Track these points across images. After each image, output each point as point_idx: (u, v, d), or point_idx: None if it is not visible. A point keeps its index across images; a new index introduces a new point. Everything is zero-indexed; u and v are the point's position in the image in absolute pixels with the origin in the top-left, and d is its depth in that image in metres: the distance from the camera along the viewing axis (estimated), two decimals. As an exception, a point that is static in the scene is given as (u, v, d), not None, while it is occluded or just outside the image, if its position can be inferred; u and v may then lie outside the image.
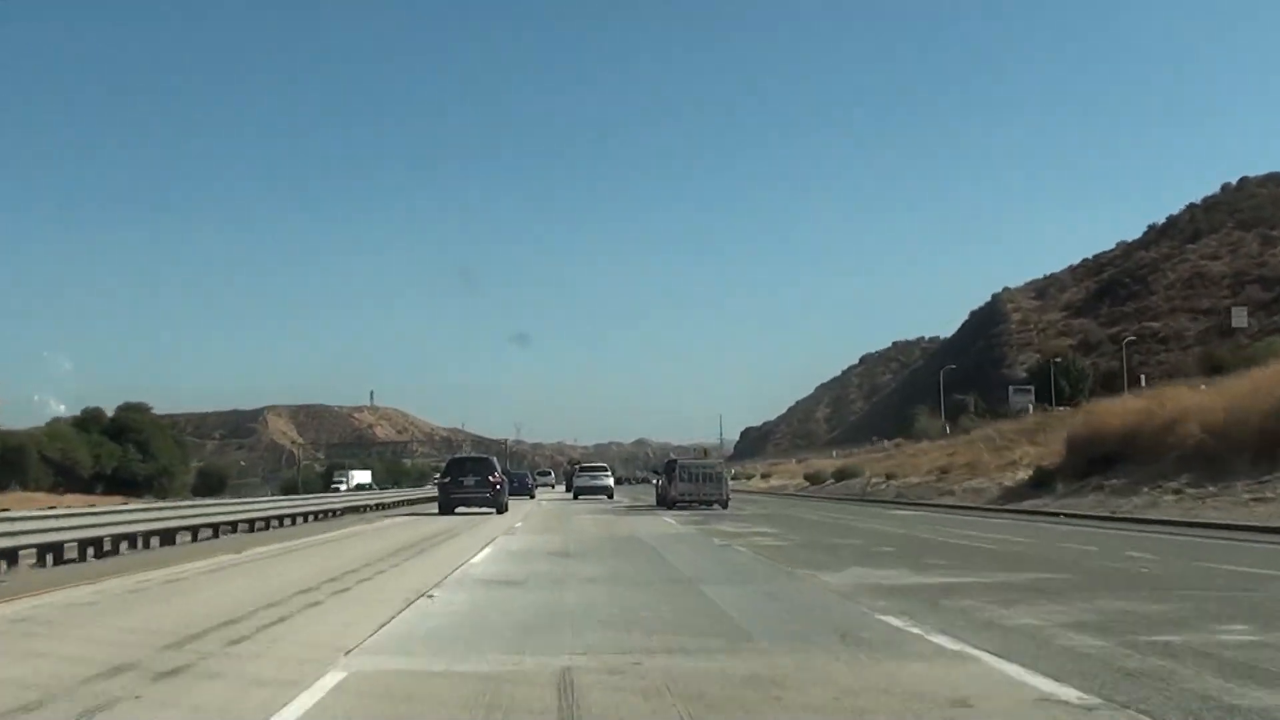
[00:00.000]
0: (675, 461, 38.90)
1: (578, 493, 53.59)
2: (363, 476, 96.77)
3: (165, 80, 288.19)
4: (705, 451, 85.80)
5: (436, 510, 34.50)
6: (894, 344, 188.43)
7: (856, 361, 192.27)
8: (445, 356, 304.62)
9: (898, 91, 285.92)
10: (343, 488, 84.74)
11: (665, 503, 35.99)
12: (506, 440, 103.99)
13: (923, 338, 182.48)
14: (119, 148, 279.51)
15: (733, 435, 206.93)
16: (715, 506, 33.75)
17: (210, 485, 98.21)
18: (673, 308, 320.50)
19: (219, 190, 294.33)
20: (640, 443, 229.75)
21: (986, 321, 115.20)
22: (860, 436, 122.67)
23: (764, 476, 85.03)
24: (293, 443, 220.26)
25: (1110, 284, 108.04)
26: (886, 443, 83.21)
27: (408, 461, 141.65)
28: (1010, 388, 72.42)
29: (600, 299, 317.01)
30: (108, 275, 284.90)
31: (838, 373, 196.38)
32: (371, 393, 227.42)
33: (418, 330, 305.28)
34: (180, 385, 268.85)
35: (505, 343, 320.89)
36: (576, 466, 69.94)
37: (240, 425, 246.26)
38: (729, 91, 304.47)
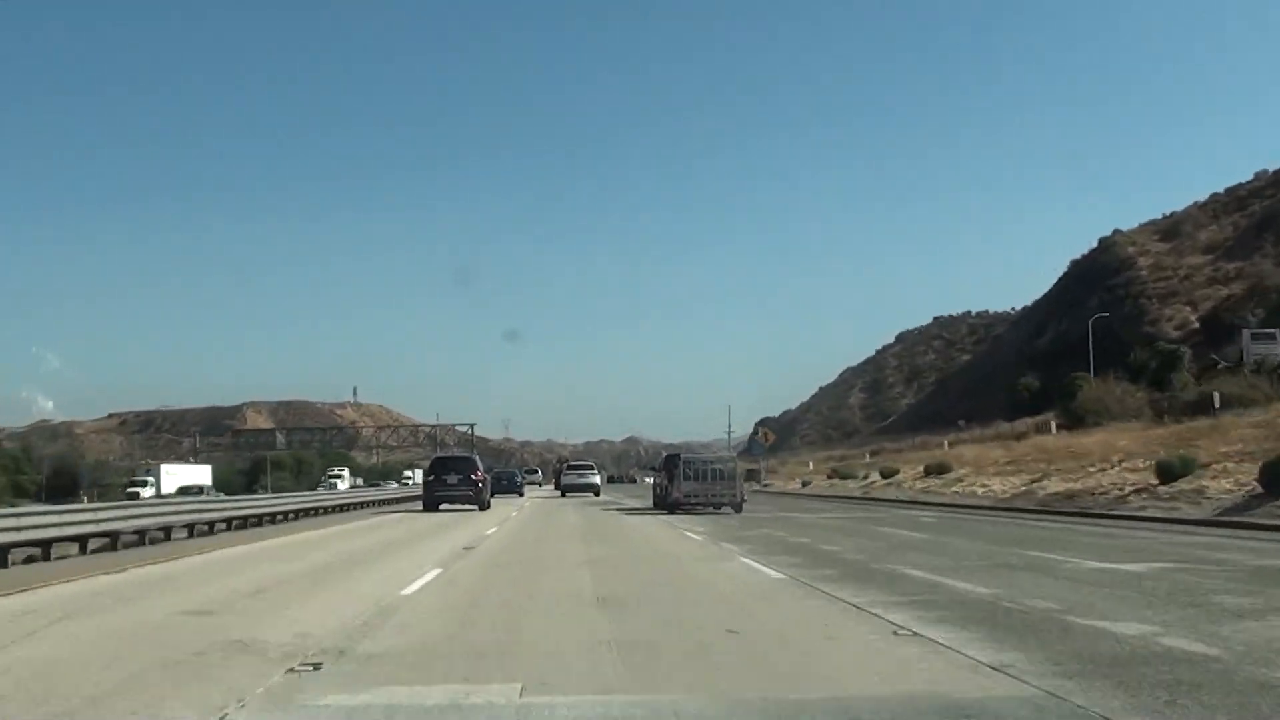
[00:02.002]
0: (677, 456, 32.15)
1: (565, 490, 55.20)
2: (194, 474, 71.38)
3: (158, 80, 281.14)
4: (767, 434, 61.21)
5: (410, 511, 35.56)
6: (935, 319, 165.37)
7: (892, 340, 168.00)
8: (432, 353, 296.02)
9: (930, 57, 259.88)
10: (146, 492, 59.18)
11: (665, 505, 31.36)
12: (471, 427, 79.49)
13: (969, 312, 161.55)
14: (107, 146, 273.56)
15: (742, 428, 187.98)
16: (726, 510, 29.03)
17: (65, 487, 71.92)
18: (669, 300, 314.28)
19: (209, 188, 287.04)
20: (631, 440, 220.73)
21: (1099, 273, 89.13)
22: (922, 422, 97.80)
23: (936, 473, 44.10)
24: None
25: (1268, 219, 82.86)
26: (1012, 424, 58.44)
27: (361, 456, 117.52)
28: (1246, 333, 48.25)
29: (592, 292, 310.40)
30: (96, 273, 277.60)
31: (870, 353, 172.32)
32: (355, 389, 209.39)
33: (404, 327, 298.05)
34: (164, 381, 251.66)
35: (495, 339, 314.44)
36: (564, 465, 70.40)
37: (218, 422, 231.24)
38: (740, 80, 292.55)
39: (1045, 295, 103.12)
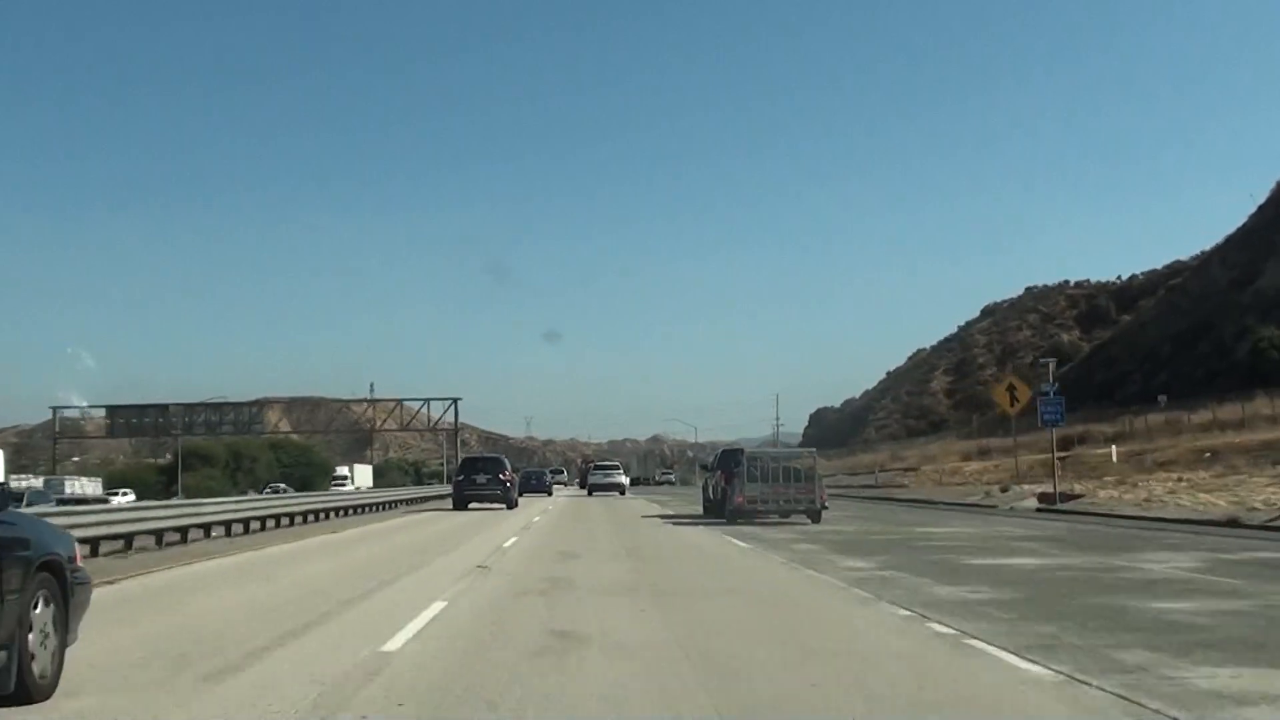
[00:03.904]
0: (739, 452, 27.47)
1: (591, 489, 56.62)
2: None
3: (179, 77, 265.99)
4: (1017, 390, 34.14)
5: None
6: (1027, 290, 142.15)
7: (977, 315, 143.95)
8: (453, 350, 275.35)
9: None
10: None
11: (723, 513, 26.36)
12: (454, 403, 58.28)
13: (1067, 282, 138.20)
14: (123, 147, 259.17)
15: (793, 422, 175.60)
16: (799, 519, 24.86)
17: None
18: (698, 293, 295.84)
19: (235, 185, 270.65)
20: (656, 439, 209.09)
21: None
22: (1071, 403, 71.57)
23: None
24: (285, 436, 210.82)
25: None
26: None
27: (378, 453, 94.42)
28: None
29: (618, 289, 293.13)
30: (120, 269, 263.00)
31: (949, 330, 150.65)
32: (371, 385, 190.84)
33: (424, 324, 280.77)
34: (179, 378, 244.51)
35: (518, 337, 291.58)
36: (591, 465, 72.32)
37: (233, 418, 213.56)
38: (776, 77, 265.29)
39: (1240, 231, 77.57)
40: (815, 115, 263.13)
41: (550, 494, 55.19)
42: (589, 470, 65.16)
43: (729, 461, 27.34)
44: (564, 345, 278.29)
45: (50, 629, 5.96)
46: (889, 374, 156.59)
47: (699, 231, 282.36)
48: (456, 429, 68.65)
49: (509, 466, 38.15)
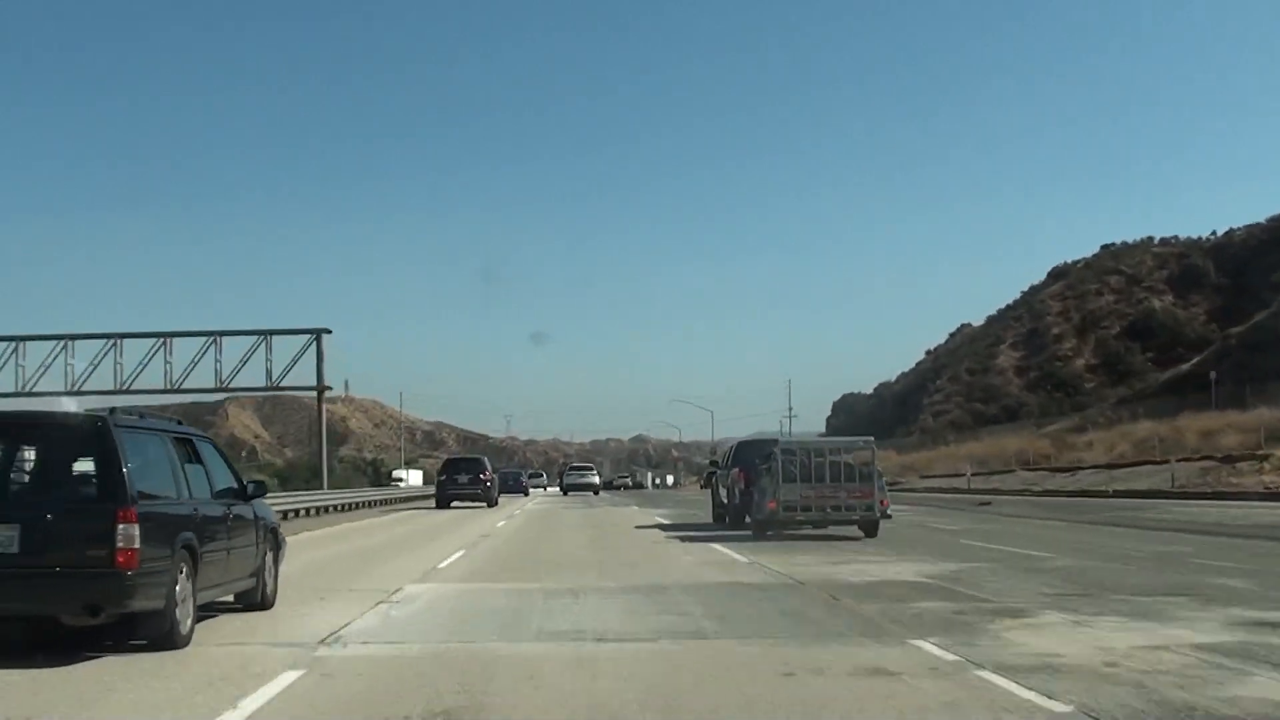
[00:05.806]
0: (769, 442, 22.33)
1: (567, 489, 62.01)
2: None
3: (178, 78, 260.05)
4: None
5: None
6: (1104, 249, 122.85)
7: (1045, 279, 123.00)
8: (431, 347, 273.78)
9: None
10: None
11: (741, 521, 21.08)
12: (318, 336, 49.12)
13: (1151, 238, 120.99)
14: (135, 141, 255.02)
15: (810, 416, 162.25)
16: (855, 530, 19.31)
17: None
18: (699, 284, 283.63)
19: (230, 187, 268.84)
20: (640, 439, 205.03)
21: None
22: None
23: None
24: (255, 437, 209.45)
25: None
26: None
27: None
28: None
29: (604, 287, 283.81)
30: (119, 268, 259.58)
31: (1014, 295, 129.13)
32: (346, 382, 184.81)
33: (401, 319, 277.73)
34: (148, 373, 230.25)
35: (500, 336, 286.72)
36: (567, 466, 79.13)
37: (199, 418, 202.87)
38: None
39: None
40: (821, 111, 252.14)
41: (527, 494, 58.90)
42: (565, 471, 71.68)
43: (751, 455, 21.89)
44: (550, 344, 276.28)
45: (272, 568, 10.66)
46: (929, 353, 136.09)
47: (695, 226, 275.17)
48: (320, 378, 48.17)
49: (489, 467, 40.87)
